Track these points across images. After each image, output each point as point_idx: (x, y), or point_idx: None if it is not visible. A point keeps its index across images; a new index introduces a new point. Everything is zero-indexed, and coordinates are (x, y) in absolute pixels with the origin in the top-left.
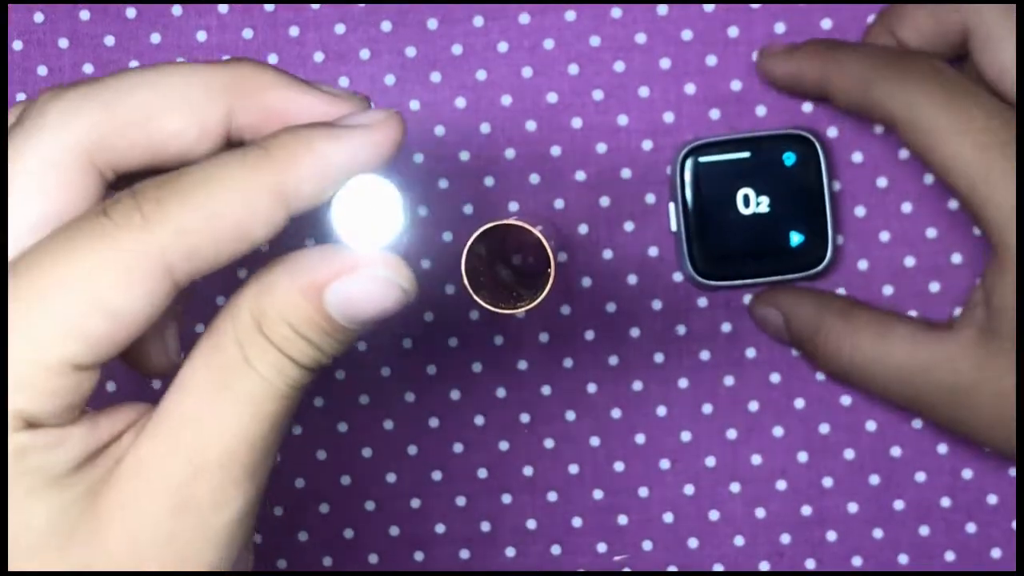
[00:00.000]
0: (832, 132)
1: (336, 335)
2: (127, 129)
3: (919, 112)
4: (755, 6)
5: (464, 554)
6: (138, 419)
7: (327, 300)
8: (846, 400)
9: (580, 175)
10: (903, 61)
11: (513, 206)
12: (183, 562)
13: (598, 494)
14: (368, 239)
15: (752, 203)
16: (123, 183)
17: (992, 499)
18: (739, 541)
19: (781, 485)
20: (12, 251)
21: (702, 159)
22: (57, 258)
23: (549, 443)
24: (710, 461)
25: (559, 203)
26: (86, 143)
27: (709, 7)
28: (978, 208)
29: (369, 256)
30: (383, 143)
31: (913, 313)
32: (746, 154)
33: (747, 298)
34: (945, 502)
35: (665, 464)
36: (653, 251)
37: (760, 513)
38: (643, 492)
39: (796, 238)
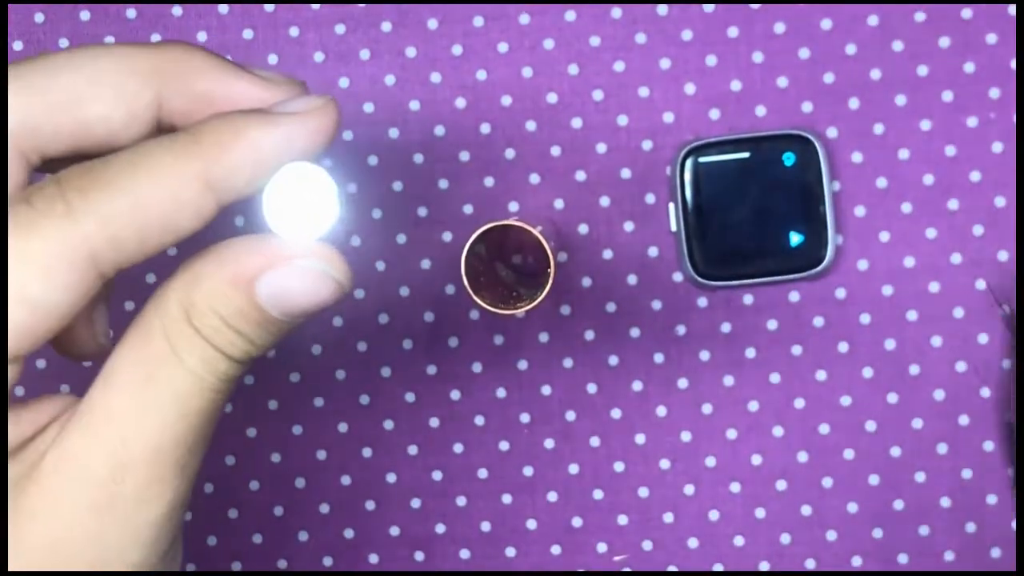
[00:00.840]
0: (832, 132)
1: (268, 327)
2: (52, 113)
3: None
4: (755, 6)
5: (464, 554)
6: (63, 412)
7: (259, 292)
8: (846, 400)
9: (580, 175)
10: None
11: (513, 206)
12: (106, 561)
13: (598, 494)
14: (302, 229)
15: (752, 203)
16: (50, 167)
17: (992, 499)
18: (739, 541)
19: (781, 485)
20: None
21: (702, 159)
22: None
23: (549, 443)
24: (710, 461)
25: (559, 203)
26: (11, 126)
27: (709, 7)
28: None
29: (303, 247)
30: (318, 131)
31: (913, 313)
32: (746, 154)
33: (747, 298)
34: (945, 502)
35: (665, 464)
36: (653, 251)
37: (760, 513)
38: (643, 492)
39: (796, 238)
